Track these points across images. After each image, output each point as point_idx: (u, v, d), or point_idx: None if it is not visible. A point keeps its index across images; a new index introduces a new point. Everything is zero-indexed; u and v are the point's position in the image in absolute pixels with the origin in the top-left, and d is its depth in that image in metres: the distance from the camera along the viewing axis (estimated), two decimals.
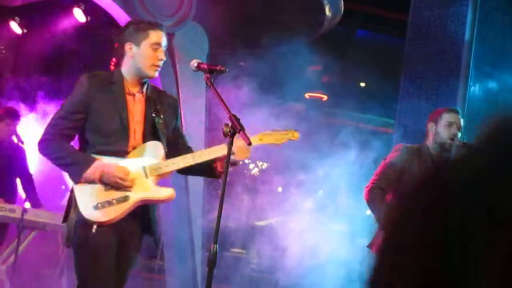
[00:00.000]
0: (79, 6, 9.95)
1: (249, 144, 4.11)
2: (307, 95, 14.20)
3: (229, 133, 4.17)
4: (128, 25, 4.71)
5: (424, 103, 8.83)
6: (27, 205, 7.95)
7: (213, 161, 4.58)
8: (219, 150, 4.53)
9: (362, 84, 14.54)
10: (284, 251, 9.55)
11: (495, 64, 9.22)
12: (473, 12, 8.91)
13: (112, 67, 8.31)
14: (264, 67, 9.27)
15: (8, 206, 7.76)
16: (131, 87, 4.62)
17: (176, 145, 4.73)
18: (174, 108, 4.80)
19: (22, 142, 8.48)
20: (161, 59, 4.55)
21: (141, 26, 4.59)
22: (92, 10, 9.87)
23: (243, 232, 11.73)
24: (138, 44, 4.54)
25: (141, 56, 4.54)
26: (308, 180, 9.52)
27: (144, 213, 4.58)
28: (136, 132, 4.57)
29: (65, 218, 4.51)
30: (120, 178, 4.38)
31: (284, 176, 10.34)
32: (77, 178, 4.41)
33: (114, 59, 5.84)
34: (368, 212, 6.32)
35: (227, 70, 4.46)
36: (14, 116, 8.72)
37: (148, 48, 4.52)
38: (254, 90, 8.72)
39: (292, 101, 12.24)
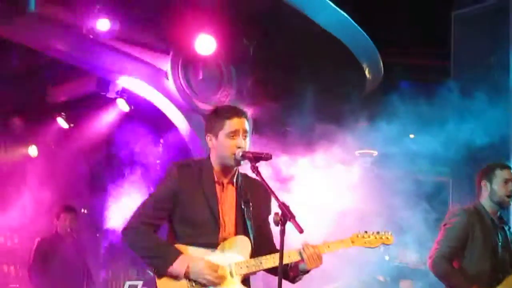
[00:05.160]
0: (122, 97, 10.07)
1: (301, 232, 3.97)
2: (357, 153, 14.02)
3: (280, 222, 3.98)
4: (208, 116, 4.60)
5: None
6: None
7: (287, 266, 4.42)
8: (297, 254, 4.40)
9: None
10: None
11: None
12: None
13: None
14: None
15: None
16: (221, 177, 4.49)
17: (265, 240, 4.52)
18: (266, 198, 4.49)
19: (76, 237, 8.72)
20: (239, 147, 4.36)
21: (218, 115, 4.47)
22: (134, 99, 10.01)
23: None
24: (216, 135, 4.44)
25: (220, 147, 4.42)
26: None
27: None
28: (226, 224, 4.43)
29: None
30: (208, 276, 4.24)
31: None
32: (162, 272, 4.27)
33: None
34: None
35: (272, 157, 4.39)
36: (72, 212, 8.96)
37: (225, 139, 4.40)
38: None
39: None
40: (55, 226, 9.00)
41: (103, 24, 7.91)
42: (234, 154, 4.37)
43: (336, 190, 8.73)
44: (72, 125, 11.49)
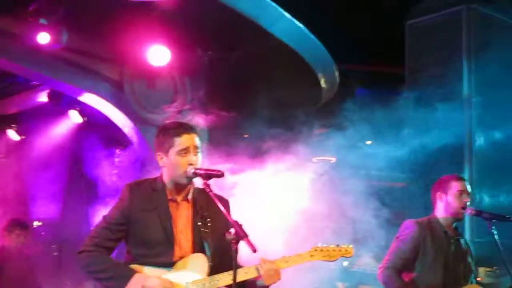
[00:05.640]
0: (74, 108, 9.93)
1: (254, 251, 3.92)
2: (314, 159, 14.01)
3: (233, 241, 3.93)
4: (157, 133, 4.51)
5: None
6: None
7: (245, 282, 4.37)
8: (254, 271, 4.36)
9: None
10: None
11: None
12: None
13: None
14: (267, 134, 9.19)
15: None
16: (174, 194, 4.44)
17: (226, 256, 4.26)
18: (223, 211, 4.23)
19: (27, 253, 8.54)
20: (191, 164, 4.31)
21: (167, 133, 4.41)
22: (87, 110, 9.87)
23: None
24: (166, 153, 4.38)
25: (171, 165, 4.36)
26: None
27: None
28: (182, 242, 4.37)
29: None
30: None
31: None
32: None
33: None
34: None
35: (224, 174, 4.32)
36: (23, 226, 8.75)
37: (176, 156, 4.34)
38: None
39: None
40: (2, 241, 8.73)
41: (44, 38, 7.77)
42: (186, 171, 4.30)
43: (293, 197, 8.70)
44: (23, 137, 11.28)
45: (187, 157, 4.34)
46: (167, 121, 4.76)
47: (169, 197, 4.43)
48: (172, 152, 4.37)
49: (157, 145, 4.46)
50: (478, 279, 6.02)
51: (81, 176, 11.03)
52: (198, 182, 4.44)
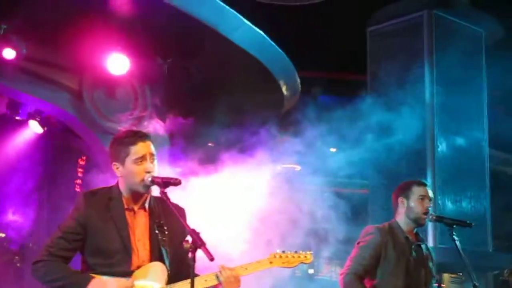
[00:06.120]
0: (34, 118, 9.80)
1: (211, 259, 3.88)
2: (279, 167, 13.98)
3: (190, 250, 3.87)
4: (111, 143, 4.42)
5: None
6: None
7: None
8: (214, 278, 4.30)
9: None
10: None
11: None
12: None
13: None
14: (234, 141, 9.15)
15: None
16: (131, 203, 4.36)
17: (182, 263, 4.22)
18: (180, 219, 4.20)
19: None
20: (149, 172, 4.24)
21: (122, 142, 4.32)
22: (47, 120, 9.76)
23: None
24: (122, 162, 4.30)
25: (128, 174, 4.28)
26: None
27: None
28: (139, 251, 4.30)
29: None
30: None
31: None
32: None
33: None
34: None
35: (181, 182, 4.27)
36: None
37: (133, 165, 4.27)
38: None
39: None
40: None
41: (9, 53, 7.75)
42: (144, 179, 4.25)
43: (256, 203, 8.67)
44: None
45: (143, 165, 4.28)
46: (120, 131, 4.69)
47: (126, 206, 4.36)
48: (129, 161, 4.29)
49: (113, 155, 4.37)
50: (442, 285, 6.00)
51: (44, 185, 10.86)
52: (155, 191, 4.39)
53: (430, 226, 9.95)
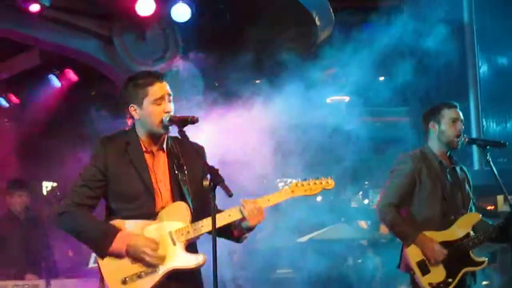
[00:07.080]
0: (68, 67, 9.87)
1: (230, 195, 3.85)
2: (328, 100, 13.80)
3: (210, 187, 3.89)
4: (126, 84, 4.39)
5: None
6: None
7: (230, 226, 4.34)
8: (237, 212, 4.28)
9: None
10: None
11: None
12: None
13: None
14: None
15: (30, 282, 7.60)
16: (149, 145, 4.35)
17: (205, 202, 4.19)
18: (199, 159, 4.27)
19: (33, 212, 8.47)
20: (168, 112, 4.24)
21: (138, 84, 4.29)
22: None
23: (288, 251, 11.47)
24: (140, 104, 4.27)
25: (147, 116, 4.26)
26: None
27: (191, 278, 4.34)
28: (162, 192, 4.30)
29: None
30: (148, 251, 4.14)
31: None
32: (102, 253, 4.19)
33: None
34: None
35: (198, 120, 4.23)
36: (23, 186, 8.60)
37: (152, 106, 4.25)
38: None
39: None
40: (7, 205, 8.47)
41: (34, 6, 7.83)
42: (162, 120, 4.22)
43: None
44: (18, 101, 11.23)
45: (162, 106, 4.25)
46: (135, 72, 4.63)
47: (144, 149, 4.35)
48: (147, 102, 4.26)
49: (129, 97, 4.33)
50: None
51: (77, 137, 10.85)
52: (172, 131, 4.37)
53: (475, 149, 9.82)
